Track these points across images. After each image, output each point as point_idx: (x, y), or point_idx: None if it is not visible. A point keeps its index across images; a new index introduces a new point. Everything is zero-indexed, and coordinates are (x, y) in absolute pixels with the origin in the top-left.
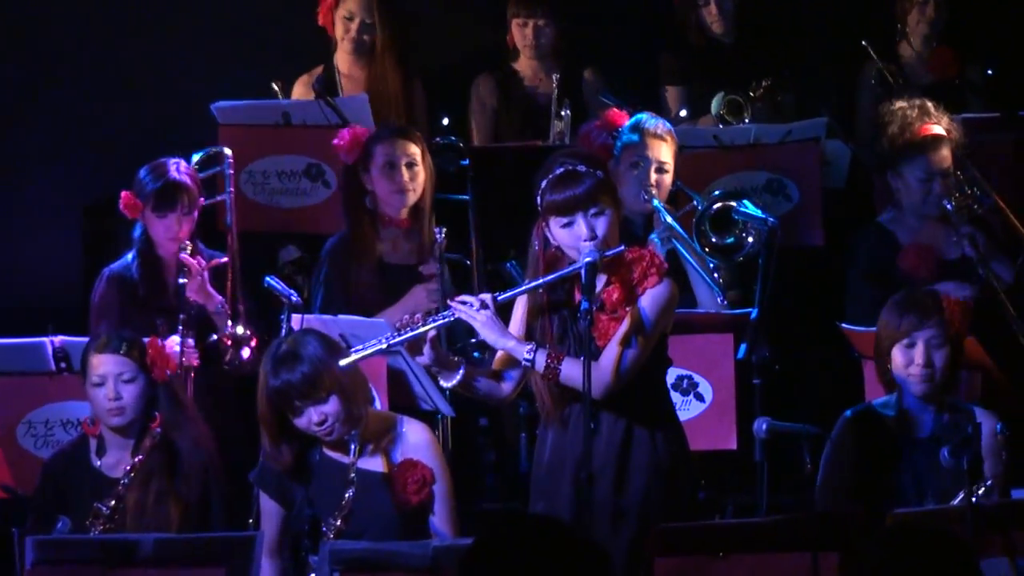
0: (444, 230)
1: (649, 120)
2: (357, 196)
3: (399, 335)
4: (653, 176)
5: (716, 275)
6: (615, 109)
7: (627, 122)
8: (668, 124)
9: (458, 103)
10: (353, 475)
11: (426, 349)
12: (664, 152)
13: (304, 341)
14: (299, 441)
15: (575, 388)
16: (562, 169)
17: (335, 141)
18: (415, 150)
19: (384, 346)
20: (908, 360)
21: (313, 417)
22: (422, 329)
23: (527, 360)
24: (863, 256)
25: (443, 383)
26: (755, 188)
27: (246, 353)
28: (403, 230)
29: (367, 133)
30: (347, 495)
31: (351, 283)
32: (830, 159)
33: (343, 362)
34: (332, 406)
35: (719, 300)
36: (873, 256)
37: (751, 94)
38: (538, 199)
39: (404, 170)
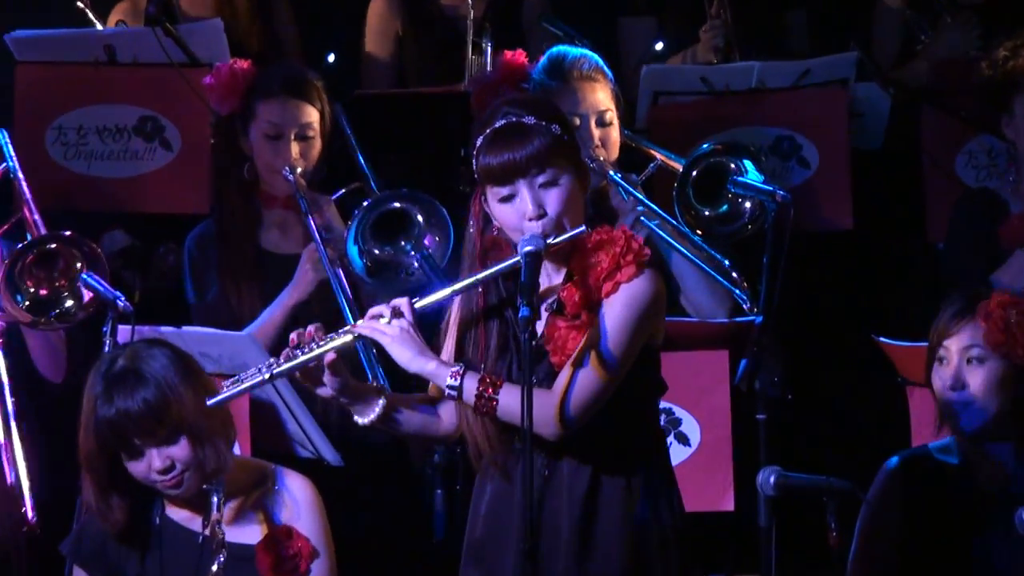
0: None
1: (571, 55)
2: (231, 163)
3: (284, 362)
4: (596, 133)
5: (734, 273)
6: (509, 53)
7: (539, 63)
8: (596, 58)
9: (350, 30)
10: (217, 544)
11: (327, 377)
12: (602, 96)
13: (149, 354)
14: (133, 494)
15: (519, 425)
16: (503, 121)
17: (206, 80)
18: (312, 115)
19: (266, 377)
20: (942, 381)
21: (155, 462)
22: (316, 352)
23: (451, 389)
24: (962, 225)
25: (359, 420)
26: (759, 149)
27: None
28: (292, 211)
29: (252, 74)
30: (213, 567)
31: (224, 282)
32: (862, 109)
33: (211, 401)
34: (182, 449)
35: (746, 307)
36: (973, 226)
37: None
38: (474, 162)
39: (294, 144)
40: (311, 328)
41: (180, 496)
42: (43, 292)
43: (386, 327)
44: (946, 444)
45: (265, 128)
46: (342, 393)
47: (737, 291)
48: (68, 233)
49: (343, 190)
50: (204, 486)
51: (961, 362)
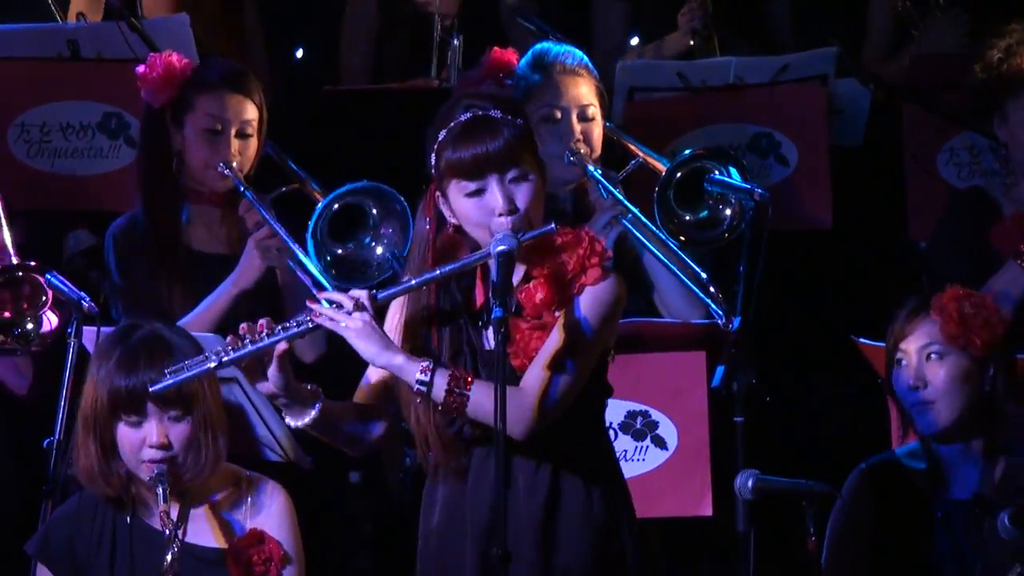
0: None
1: (553, 50)
2: (159, 157)
3: (234, 350)
4: (577, 127)
5: (711, 287)
6: (498, 51)
7: (523, 59)
8: (580, 54)
9: (321, 25)
10: (169, 536)
11: (272, 371)
12: (584, 91)
13: (172, 330)
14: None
15: (488, 423)
16: (469, 115)
17: (139, 70)
18: (252, 113)
19: (213, 365)
20: (903, 383)
21: (153, 436)
22: (268, 341)
23: (421, 384)
24: (952, 226)
25: (290, 421)
26: (737, 147)
27: (49, 322)
28: (219, 209)
29: (189, 67)
30: (167, 558)
31: (155, 280)
32: (842, 106)
33: (154, 388)
34: (182, 431)
35: (721, 323)
36: (963, 227)
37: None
38: (432, 157)
39: (233, 140)
40: (262, 321)
41: (150, 480)
42: (6, 315)
43: (348, 319)
44: (913, 449)
45: (205, 122)
46: (283, 391)
47: (713, 305)
48: (33, 263)
49: (283, 188)
50: (149, 477)
51: (920, 360)
